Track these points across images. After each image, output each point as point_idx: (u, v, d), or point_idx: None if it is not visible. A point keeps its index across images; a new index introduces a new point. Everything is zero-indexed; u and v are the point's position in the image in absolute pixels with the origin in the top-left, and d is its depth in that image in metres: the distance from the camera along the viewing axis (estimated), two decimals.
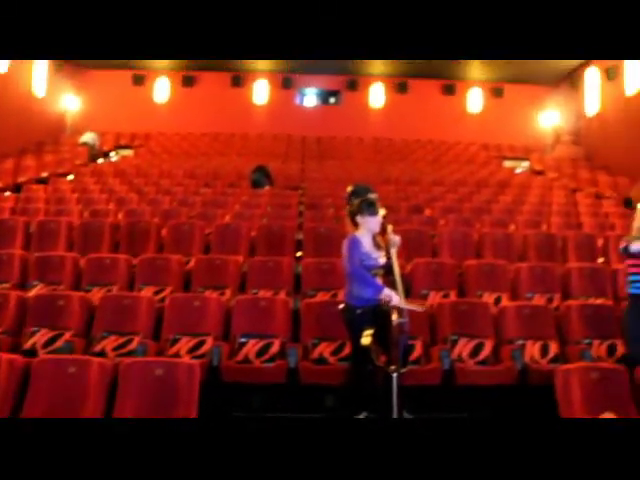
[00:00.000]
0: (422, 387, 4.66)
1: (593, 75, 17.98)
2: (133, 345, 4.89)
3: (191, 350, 4.93)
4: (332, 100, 19.93)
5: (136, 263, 6.35)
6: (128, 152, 16.77)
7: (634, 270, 4.62)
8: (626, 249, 4.61)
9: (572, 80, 18.88)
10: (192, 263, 6.47)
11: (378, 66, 18.48)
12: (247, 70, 18.92)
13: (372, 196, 4.74)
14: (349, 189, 5.36)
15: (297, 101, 19.79)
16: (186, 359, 4.67)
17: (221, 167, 13.12)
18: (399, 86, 19.26)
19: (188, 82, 19.02)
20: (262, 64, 18.52)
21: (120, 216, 8.37)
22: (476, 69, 18.66)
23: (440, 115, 19.18)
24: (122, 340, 4.96)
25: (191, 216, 8.37)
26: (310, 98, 20.04)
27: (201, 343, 4.98)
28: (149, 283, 6.11)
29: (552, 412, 4.11)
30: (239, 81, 19.12)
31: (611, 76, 16.78)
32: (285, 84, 19.27)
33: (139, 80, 18.90)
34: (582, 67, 18.24)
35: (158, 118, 18.82)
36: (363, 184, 8.03)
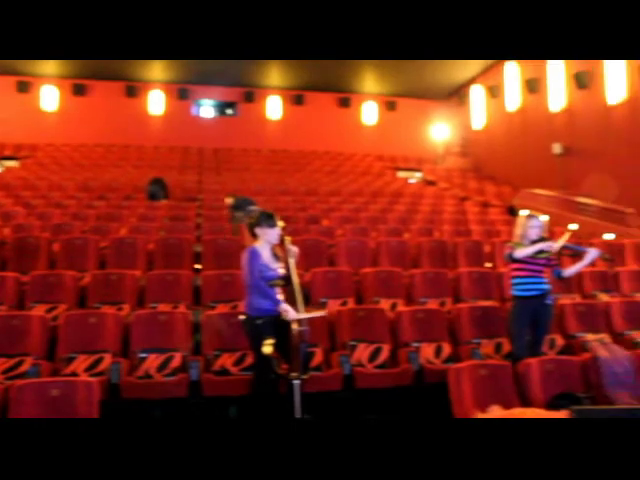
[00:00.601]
0: (324, 393, 4.77)
1: (478, 92, 19.13)
2: (25, 367, 4.67)
3: (89, 368, 4.78)
4: (229, 111, 19.90)
5: (26, 281, 6.07)
6: (13, 163, 15.89)
7: (517, 274, 4.99)
8: (510, 255, 4.96)
9: (460, 96, 19.98)
10: (87, 279, 6.26)
11: (275, 78, 18.68)
12: (142, 80, 18.54)
13: (253, 207, 4.81)
14: (229, 201, 5.37)
15: (193, 112, 19.59)
16: (84, 378, 4.52)
17: (116, 179, 12.75)
18: (296, 98, 19.56)
19: (79, 91, 18.33)
20: (157, 74, 18.21)
21: (6, 231, 7.94)
22: (370, 83, 19.30)
23: (336, 127, 19.65)
24: (12, 362, 4.73)
25: (85, 230, 8.09)
26: (207, 109, 19.90)
27: (99, 360, 4.84)
28: (41, 301, 5.85)
29: (447, 408, 4.35)
30: (133, 91, 18.69)
31: (494, 94, 17.94)
32: (181, 95, 19.04)
33: (24, 87, 17.98)
34: (468, 84, 19.35)
35: (47, 128, 17.99)
36: (243, 195, 8.10)
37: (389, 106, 20.25)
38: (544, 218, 10.27)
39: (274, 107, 19.80)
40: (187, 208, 10.21)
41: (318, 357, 5.06)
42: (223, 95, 19.67)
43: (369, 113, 20.43)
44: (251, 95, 19.42)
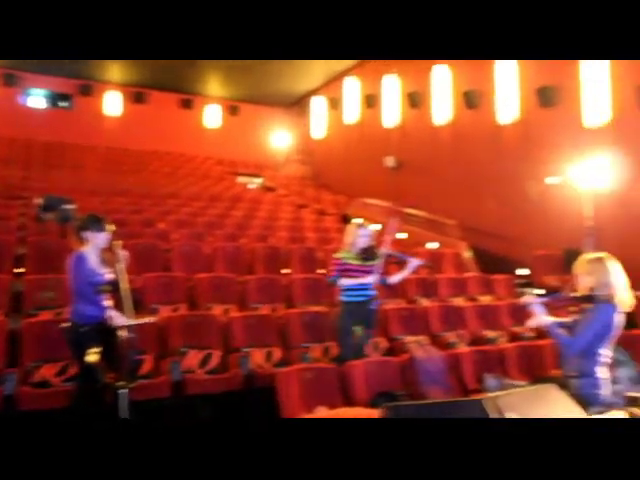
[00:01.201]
0: (153, 400, 4.68)
1: (319, 103, 19.78)
2: None
3: None
4: (63, 104, 18.68)
5: None
6: None
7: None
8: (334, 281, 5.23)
9: (302, 105, 20.50)
10: None
11: (115, 73, 17.89)
12: None
13: (68, 207, 4.60)
14: (38, 201, 5.08)
15: (21, 101, 18.13)
16: None
17: None
18: (136, 96, 18.87)
19: None
20: None
21: None
22: (214, 85, 19.18)
23: (178, 128, 19.25)
24: None
25: None
26: (37, 99, 18.50)
27: None
28: None
29: (276, 410, 4.47)
30: None
31: (334, 106, 18.66)
32: (7, 81, 17.50)
33: None
34: (310, 94, 19.93)
35: None
36: (57, 195, 7.68)
37: (232, 110, 20.27)
38: (376, 227, 10.88)
39: (113, 103, 18.95)
40: (9, 206, 9.45)
41: (148, 364, 4.96)
42: (57, 86, 18.39)
43: (212, 116, 20.29)
44: (88, 88, 18.41)
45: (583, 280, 3.72)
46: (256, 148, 19.97)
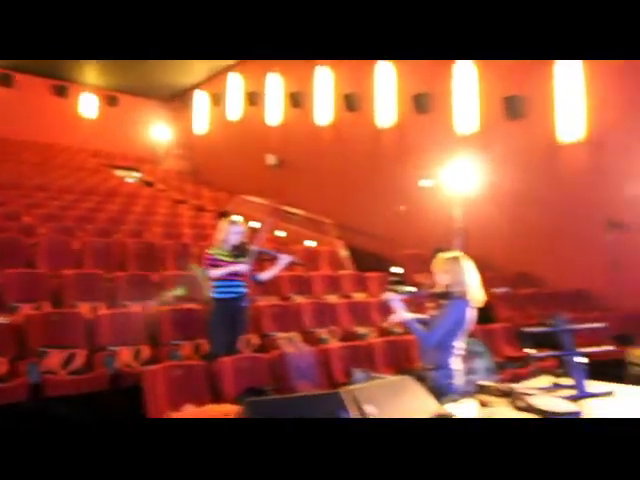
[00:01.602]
0: (8, 405, 4.42)
1: (202, 98, 19.47)
2: None
3: None
4: None
5: None
6: None
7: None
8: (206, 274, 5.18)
9: (183, 99, 20.08)
10: None
11: None
12: None
13: None
14: None
15: None
16: None
17: None
18: (1, 77, 17.53)
19: None
20: None
21: None
22: (91, 73, 18.28)
23: (50, 117, 18.17)
24: None
25: None
26: None
27: None
28: None
29: (142, 410, 4.36)
30: None
31: (217, 101, 18.45)
32: None
33: None
34: (193, 89, 19.56)
35: None
36: None
37: (110, 101, 19.45)
38: (255, 225, 10.89)
39: None
40: None
41: (2, 367, 4.66)
42: None
43: (88, 105, 19.36)
44: None
45: (440, 278, 3.95)
46: (135, 141, 19.31)
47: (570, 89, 9.88)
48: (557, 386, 3.81)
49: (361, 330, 6.82)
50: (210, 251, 5.24)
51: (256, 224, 11.32)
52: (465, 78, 11.38)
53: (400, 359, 6.00)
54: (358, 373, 5.44)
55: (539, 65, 9.89)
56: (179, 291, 6.46)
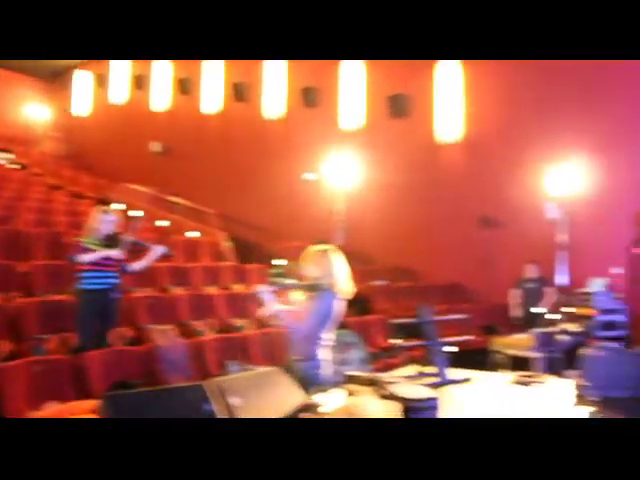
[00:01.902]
0: None
1: (84, 78, 18.52)
2: None
3: None
4: None
5: None
6: None
7: (84, 267, 5.02)
8: (73, 259, 4.97)
9: (64, 79, 19.02)
10: None
11: None
12: None
13: None
14: None
15: None
16: None
17: None
18: None
19: None
20: None
21: None
22: None
23: None
24: None
25: None
26: None
27: None
28: None
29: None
30: None
31: (101, 83, 17.63)
32: None
33: None
34: (74, 68, 18.55)
35: None
36: None
37: None
38: (137, 214, 10.57)
39: None
40: None
41: None
42: None
43: None
44: None
45: (310, 270, 4.00)
46: (8, 120, 18.04)
47: (449, 90, 10.31)
48: (421, 374, 4.00)
49: (238, 322, 6.80)
50: (81, 239, 5.05)
51: (138, 213, 11.01)
52: (353, 75, 11.60)
53: (276, 351, 6.04)
54: (232, 365, 5.44)
55: (423, 65, 10.22)
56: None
